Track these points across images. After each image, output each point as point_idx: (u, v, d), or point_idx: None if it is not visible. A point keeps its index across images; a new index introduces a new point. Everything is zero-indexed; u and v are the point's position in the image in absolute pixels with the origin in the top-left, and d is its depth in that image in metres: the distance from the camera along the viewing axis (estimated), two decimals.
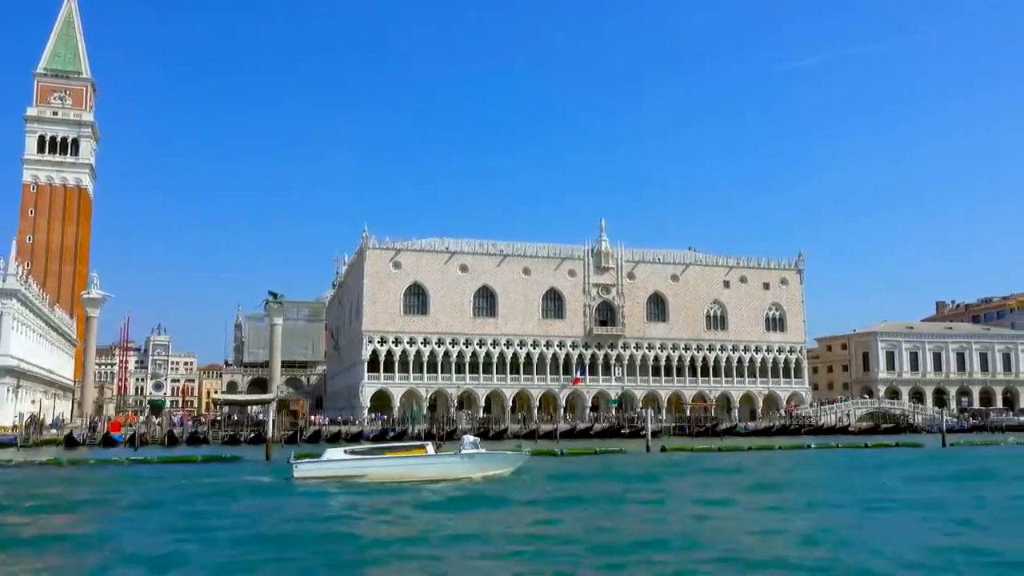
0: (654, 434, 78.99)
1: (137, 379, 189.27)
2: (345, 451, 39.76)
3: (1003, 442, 62.64)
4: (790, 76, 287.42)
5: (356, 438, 67.75)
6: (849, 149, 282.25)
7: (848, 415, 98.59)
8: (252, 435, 64.47)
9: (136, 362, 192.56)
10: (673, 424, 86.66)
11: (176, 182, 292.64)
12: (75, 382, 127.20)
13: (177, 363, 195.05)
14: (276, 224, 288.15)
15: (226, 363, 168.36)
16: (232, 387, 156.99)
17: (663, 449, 52.25)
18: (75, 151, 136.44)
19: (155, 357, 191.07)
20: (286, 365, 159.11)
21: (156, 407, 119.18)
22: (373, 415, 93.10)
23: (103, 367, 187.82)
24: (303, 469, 37.13)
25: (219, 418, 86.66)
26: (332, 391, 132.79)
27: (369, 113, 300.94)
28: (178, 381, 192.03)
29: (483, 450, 41.24)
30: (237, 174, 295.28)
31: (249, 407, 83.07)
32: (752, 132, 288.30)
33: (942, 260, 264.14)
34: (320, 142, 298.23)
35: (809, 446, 55.38)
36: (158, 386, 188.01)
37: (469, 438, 41.90)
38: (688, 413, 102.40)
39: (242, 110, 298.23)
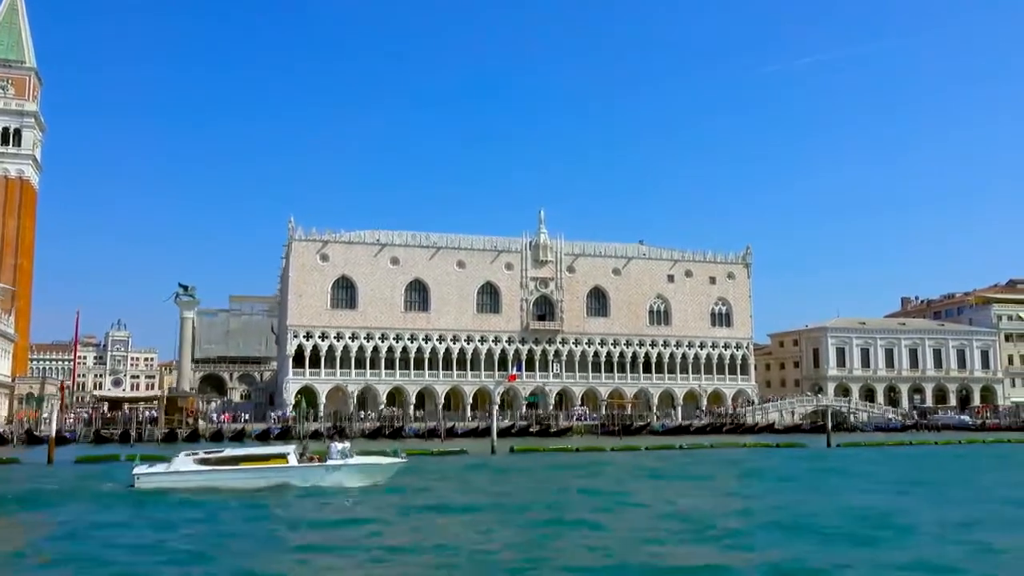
0: (564, 431, 76.64)
1: (95, 375, 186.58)
2: (195, 460, 36.05)
3: (891, 443, 59.53)
4: (766, 80, 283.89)
5: (240, 436, 65.13)
6: (827, 149, 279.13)
7: (792, 413, 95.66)
8: (120, 433, 61.89)
9: (95, 358, 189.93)
10: (597, 423, 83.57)
11: (137, 178, 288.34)
12: (14, 379, 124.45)
13: (137, 359, 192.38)
14: (243, 219, 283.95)
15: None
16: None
17: (512, 450, 49.28)
18: (17, 142, 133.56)
19: (114, 353, 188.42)
20: (240, 361, 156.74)
21: (37, 401, 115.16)
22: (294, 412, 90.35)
23: (59, 363, 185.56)
24: (146, 480, 33.71)
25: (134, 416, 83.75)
26: (279, 387, 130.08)
27: (319, 108, 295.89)
28: (138, 377, 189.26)
29: (353, 458, 37.68)
30: (198, 170, 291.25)
31: (140, 404, 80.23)
32: (722, 130, 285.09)
33: (917, 258, 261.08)
34: (280, 137, 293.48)
35: (681, 446, 52.48)
36: (117, 382, 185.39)
37: (337, 445, 38.34)
38: (629, 411, 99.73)
39: (209, 105, 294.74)
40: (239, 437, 65.63)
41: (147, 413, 71.30)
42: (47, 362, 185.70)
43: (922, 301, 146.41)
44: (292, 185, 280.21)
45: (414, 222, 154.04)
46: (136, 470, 33.90)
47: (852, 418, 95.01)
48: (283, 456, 37.13)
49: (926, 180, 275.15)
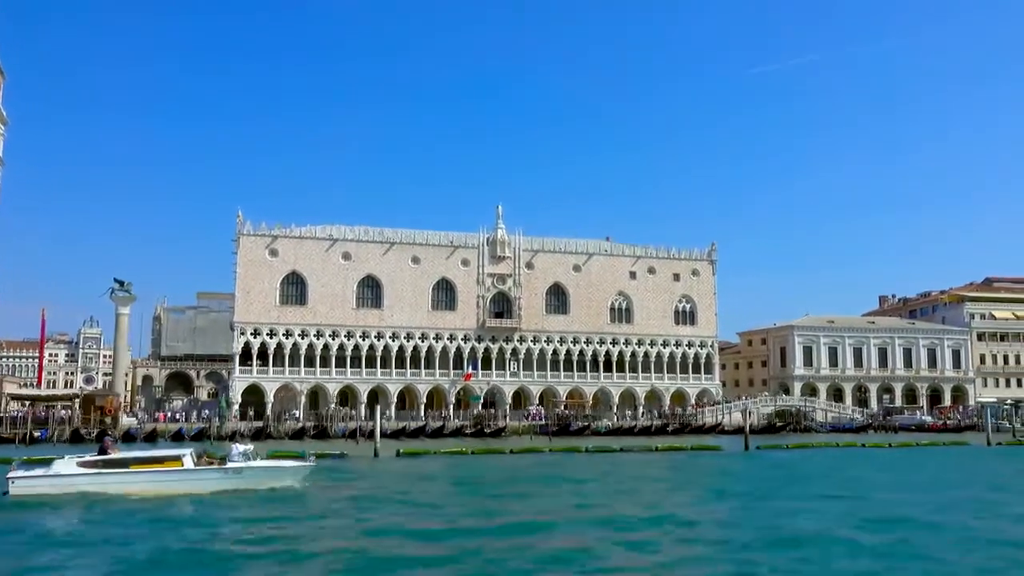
0: (499, 432, 74.23)
1: (67, 373, 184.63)
2: (79, 463, 33.78)
3: (816, 444, 56.95)
4: (752, 81, 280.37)
5: (152, 437, 62.89)
6: (813, 148, 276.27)
7: (748, 413, 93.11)
8: (24, 433, 59.69)
9: (67, 355, 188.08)
10: (543, 423, 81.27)
11: (108, 175, 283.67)
12: None
13: (110, 357, 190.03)
14: (214, 215, 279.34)
15: (149, 357, 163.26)
16: (147, 381, 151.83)
17: (398, 453, 47.06)
18: None
19: (86, 350, 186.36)
20: (207, 359, 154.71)
21: None
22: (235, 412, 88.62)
23: (28, 360, 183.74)
24: (22, 485, 31.38)
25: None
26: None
27: (278, 103, 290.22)
28: (110, 375, 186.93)
29: (256, 461, 35.37)
30: (170, 164, 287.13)
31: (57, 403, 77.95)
32: (706, 129, 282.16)
33: (903, 256, 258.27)
34: (242, 133, 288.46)
35: (586, 449, 50.21)
36: (89, 380, 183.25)
37: (239, 447, 35.94)
38: (588, 410, 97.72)
39: (178, 102, 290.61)
40: (152, 438, 63.43)
41: (63, 412, 69.00)
42: (17, 359, 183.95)
43: (899, 300, 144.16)
44: (261, 181, 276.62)
45: (368, 217, 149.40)
46: (10, 474, 31.59)
47: (805, 418, 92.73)
48: (178, 459, 34.87)
49: (914, 179, 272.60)
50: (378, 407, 59.71)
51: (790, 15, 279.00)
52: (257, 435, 63.22)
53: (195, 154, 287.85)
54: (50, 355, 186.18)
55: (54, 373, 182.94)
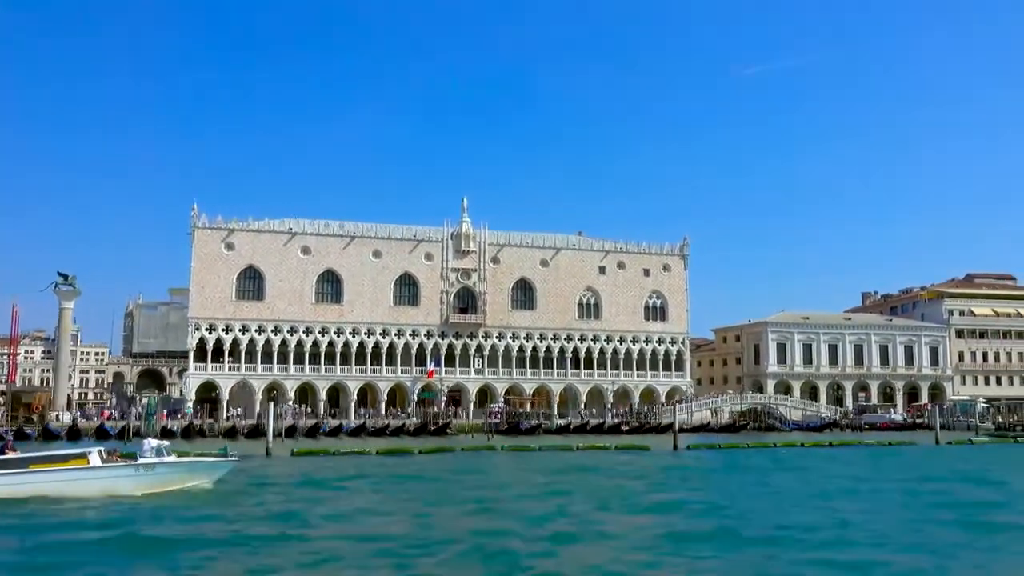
0: (443, 429, 72.11)
1: (43, 370, 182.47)
2: None
3: (752, 445, 54.58)
4: (750, 80, 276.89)
5: (75, 435, 60.81)
6: (803, 144, 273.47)
7: (714, 411, 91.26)
8: None
9: (43, 352, 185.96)
10: (498, 420, 79.17)
11: (83, 173, 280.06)
12: None
13: (88, 354, 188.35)
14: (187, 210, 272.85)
15: (123, 353, 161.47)
16: (119, 378, 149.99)
17: (293, 453, 44.98)
18: None
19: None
20: (179, 356, 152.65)
21: None
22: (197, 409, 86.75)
23: (1, 357, 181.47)
24: None
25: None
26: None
27: (220, 88, 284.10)
28: (87, 372, 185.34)
29: (170, 458, 33.50)
30: (144, 160, 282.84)
31: None
32: (700, 129, 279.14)
33: (896, 254, 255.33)
34: (208, 128, 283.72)
35: (503, 447, 48.06)
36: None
37: (151, 443, 33.99)
38: (542, 408, 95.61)
39: (155, 97, 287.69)
40: (74, 436, 61.33)
41: None
42: None
43: (881, 296, 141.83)
44: (220, 174, 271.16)
45: (329, 210, 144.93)
46: None
47: (769, 416, 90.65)
48: (83, 456, 32.90)
49: (909, 178, 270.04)
50: (272, 404, 57.95)
51: (788, 15, 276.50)
52: (186, 432, 61.14)
53: (169, 148, 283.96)
54: (27, 352, 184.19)
55: (30, 370, 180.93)
